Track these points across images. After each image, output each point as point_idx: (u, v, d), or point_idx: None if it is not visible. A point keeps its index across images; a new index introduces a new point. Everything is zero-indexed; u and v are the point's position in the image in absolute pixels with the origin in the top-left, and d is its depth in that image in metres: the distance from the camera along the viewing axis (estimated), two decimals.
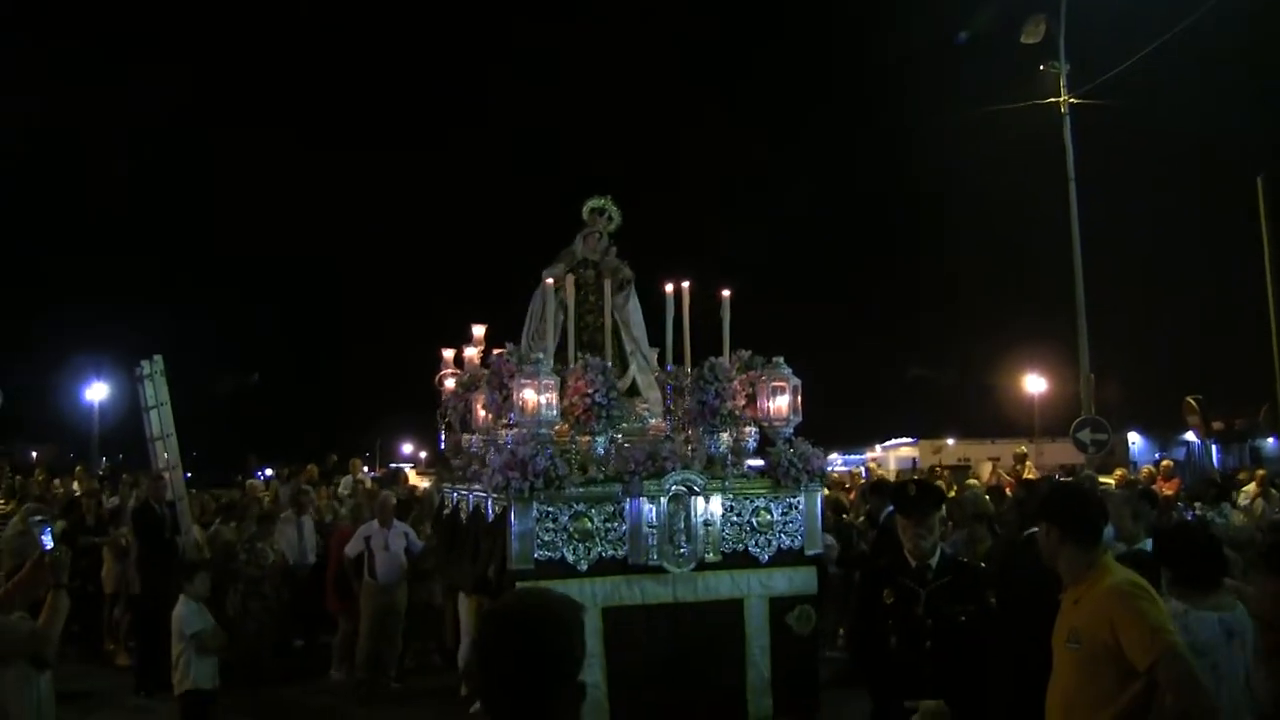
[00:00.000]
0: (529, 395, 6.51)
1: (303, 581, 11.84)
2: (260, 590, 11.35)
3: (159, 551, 11.20)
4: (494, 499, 6.72)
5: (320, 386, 55.79)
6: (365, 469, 30.35)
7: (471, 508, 7.50)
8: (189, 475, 13.93)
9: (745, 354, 7.30)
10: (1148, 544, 7.62)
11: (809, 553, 6.93)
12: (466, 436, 8.01)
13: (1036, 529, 4.33)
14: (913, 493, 5.41)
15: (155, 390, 12.19)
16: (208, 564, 9.29)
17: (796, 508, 6.91)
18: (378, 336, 60.11)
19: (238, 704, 10.42)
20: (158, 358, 12.29)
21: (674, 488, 6.49)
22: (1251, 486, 14.94)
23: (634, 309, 7.97)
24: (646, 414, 7.61)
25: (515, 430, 6.76)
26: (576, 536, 6.47)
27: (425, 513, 12.65)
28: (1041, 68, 21.43)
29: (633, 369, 7.73)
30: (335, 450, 23.55)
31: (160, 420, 12.20)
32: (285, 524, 12.12)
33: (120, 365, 35.88)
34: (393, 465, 39.64)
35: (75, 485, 16.81)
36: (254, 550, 11.37)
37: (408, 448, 54.84)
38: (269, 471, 24.53)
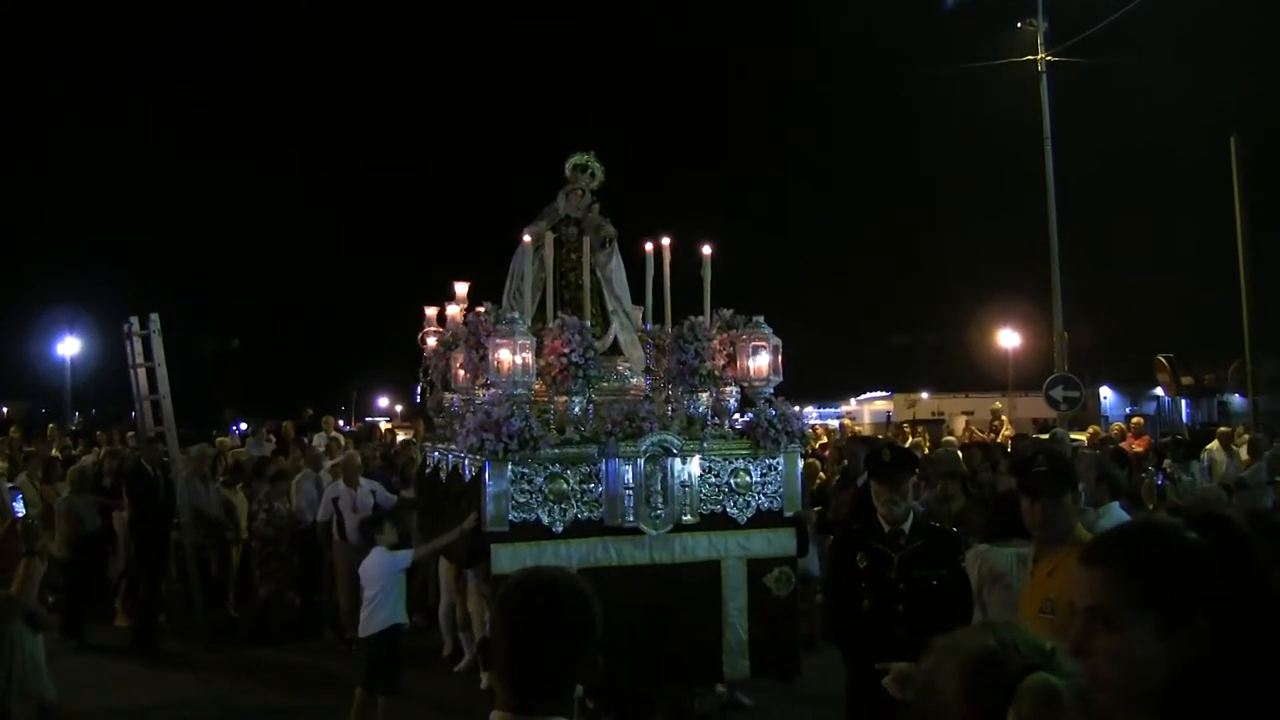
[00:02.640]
0: (504, 355, 6.44)
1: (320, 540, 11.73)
2: (278, 551, 11.36)
3: (153, 514, 11.12)
4: (470, 460, 6.71)
5: (296, 339, 55.48)
6: (341, 422, 30.38)
7: (450, 467, 7.49)
8: None
9: (727, 313, 7.22)
10: (1113, 507, 7.71)
11: (788, 514, 6.91)
12: (448, 396, 7.98)
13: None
14: (887, 458, 5.43)
15: (151, 349, 12.06)
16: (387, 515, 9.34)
17: (776, 469, 6.86)
18: (355, 289, 59.82)
19: (220, 662, 10.47)
20: (154, 316, 12.12)
21: (651, 449, 6.47)
22: (1214, 445, 15.06)
23: (617, 266, 7.87)
24: (628, 373, 7.56)
25: (492, 391, 6.73)
26: (552, 498, 6.41)
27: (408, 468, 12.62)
28: (1019, 25, 21.43)
29: (614, 327, 7.67)
30: (311, 404, 23.47)
31: (153, 379, 12.08)
32: (304, 480, 12.06)
33: (93, 320, 35.66)
34: (368, 419, 39.66)
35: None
36: (272, 511, 11.36)
37: (384, 401, 54.83)
38: (244, 426, 24.48)
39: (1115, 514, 7.82)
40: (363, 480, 11.18)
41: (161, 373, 12.06)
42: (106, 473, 13.07)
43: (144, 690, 9.64)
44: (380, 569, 7.96)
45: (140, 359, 12.07)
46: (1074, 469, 4.51)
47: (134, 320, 12.14)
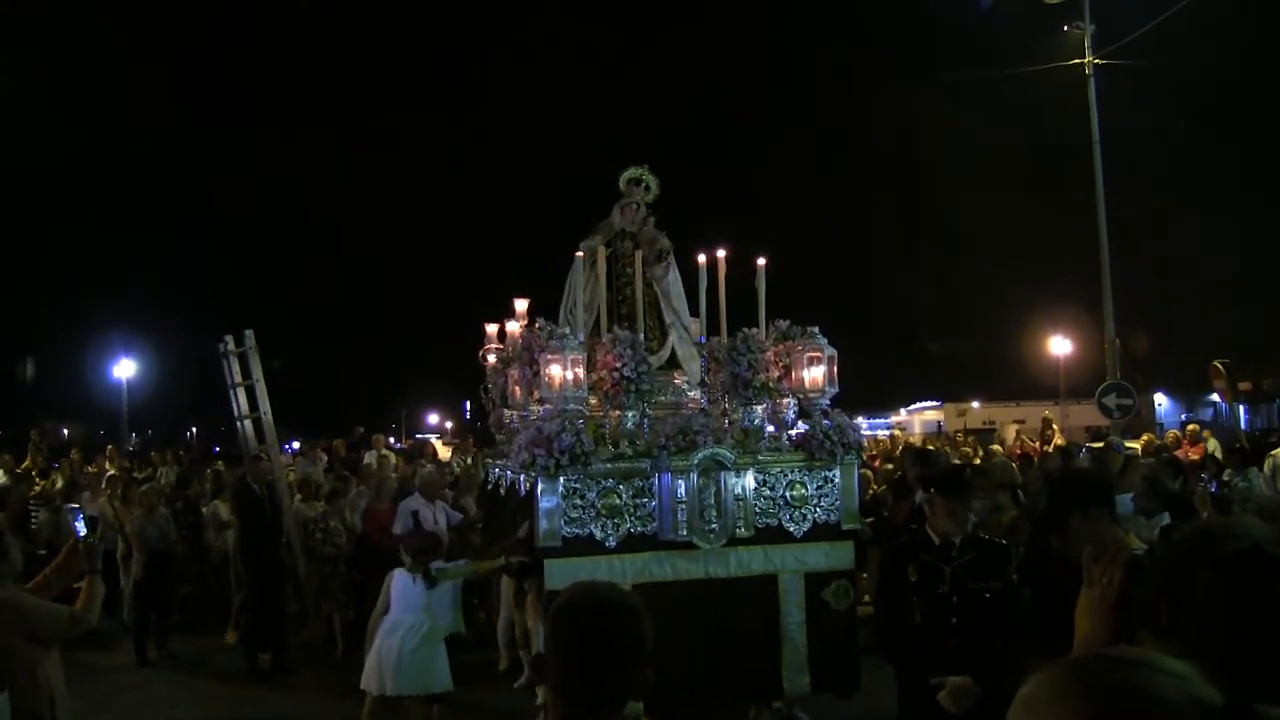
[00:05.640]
0: (555, 371, 6.47)
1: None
2: (337, 569, 11.42)
3: (261, 532, 11.12)
4: (524, 476, 6.73)
5: (346, 357, 55.97)
6: (392, 440, 30.54)
7: (509, 483, 7.53)
8: (217, 450, 13.97)
9: (783, 324, 7.16)
10: (1165, 518, 7.62)
11: (845, 527, 6.86)
12: (507, 412, 8.02)
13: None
14: (966, 476, 5.46)
15: (250, 366, 12.13)
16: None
17: (832, 481, 6.82)
18: (406, 307, 60.39)
19: (292, 681, 10.54)
20: (249, 333, 12.18)
21: (703, 462, 6.42)
22: (1278, 451, 14.78)
23: (674, 280, 7.86)
24: (685, 386, 7.54)
25: (545, 406, 6.75)
26: (605, 513, 6.42)
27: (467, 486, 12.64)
28: (1065, 28, 21.23)
29: (672, 339, 7.67)
30: (362, 423, 23.66)
31: (251, 397, 12.15)
32: (360, 499, 12.14)
33: (148, 343, 36.23)
34: (419, 436, 39.83)
35: (108, 465, 16.97)
36: (328, 529, 11.42)
37: (433, 418, 55.08)
38: (295, 445, 24.71)
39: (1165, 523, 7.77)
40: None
41: (261, 389, 12.09)
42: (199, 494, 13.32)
43: (191, 707, 9.79)
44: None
45: (238, 377, 12.12)
46: (1077, 489, 4.50)
47: (229, 339, 12.21)
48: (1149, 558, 3.50)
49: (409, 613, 7.73)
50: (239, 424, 12.28)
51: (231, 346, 12.15)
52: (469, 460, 15.53)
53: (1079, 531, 4.20)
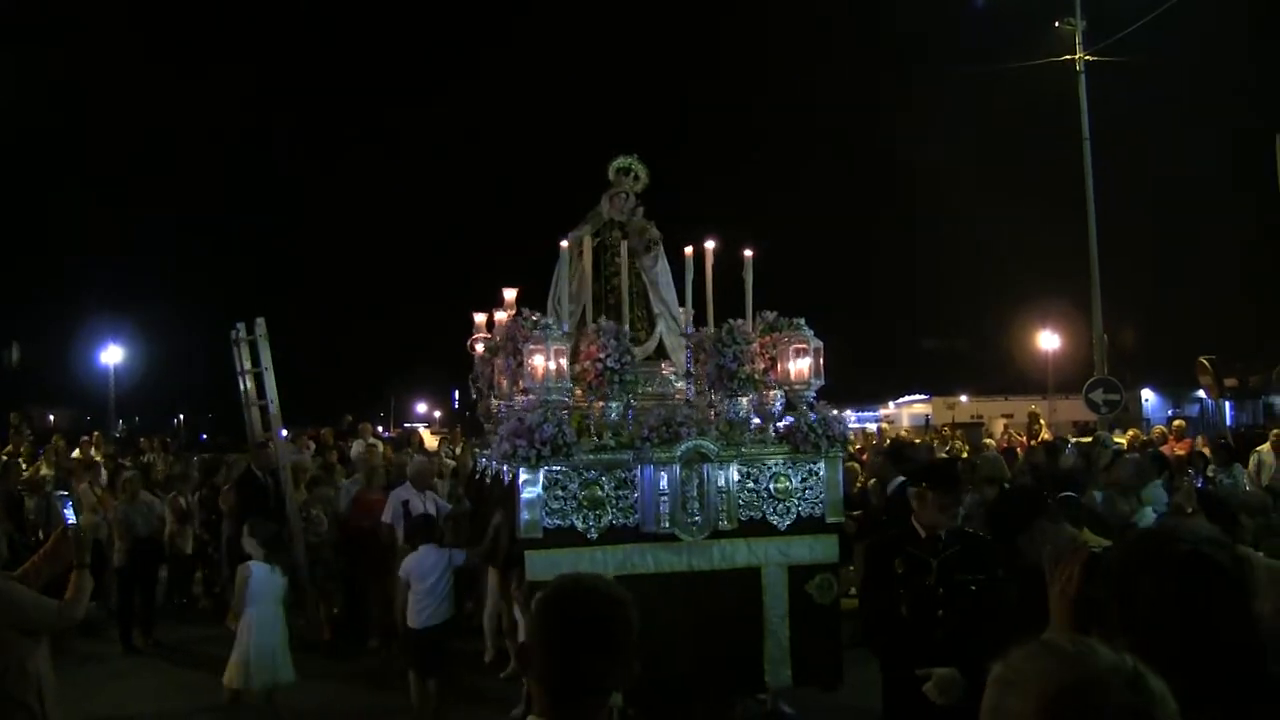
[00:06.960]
0: (538, 361, 6.45)
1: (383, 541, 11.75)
2: (322, 556, 11.34)
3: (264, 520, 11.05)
4: (507, 466, 6.71)
5: (335, 346, 55.85)
6: (380, 429, 30.51)
7: (494, 473, 7.51)
8: (204, 437, 13.88)
9: (770, 316, 7.14)
10: (1148, 512, 7.64)
11: (830, 521, 6.85)
12: (494, 402, 7.99)
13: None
14: (955, 471, 5.46)
15: (257, 354, 12.08)
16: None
17: (816, 474, 6.80)
18: (395, 296, 60.25)
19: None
20: (260, 320, 12.11)
21: (686, 454, 6.40)
22: (1265, 447, 14.83)
23: (662, 269, 7.83)
24: (672, 377, 7.52)
25: (529, 396, 6.73)
26: (587, 504, 6.40)
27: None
28: (1056, 24, 21.23)
29: (659, 330, 7.64)
30: (350, 411, 23.61)
31: (259, 385, 12.11)
32: (353, 487, 12.12)
33: (136, 329, 36.14)
34: (406, 425, 39.79)
35: (94, 451, 16.88)
36: (310, 517, 11.34)
37: (422, 407, 55.02)
38: (284, 433, 24.66)
39: (1148, 518, 7.81)
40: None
41: (269, 378, 12.04)
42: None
43: (177, 694, 9.75)
44: (434, 565, 7.97)
45: (248, 365, 12.08)
46: (1005, 522, 4.60)
47: (240, 326, 12.16)
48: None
49: (271, 603, 7.77)
50: (246, 411, 12.22)
51: (243, 334, 12.10)
52: (458, 450, 15.50)
53: (1027, 548, 4.26)
